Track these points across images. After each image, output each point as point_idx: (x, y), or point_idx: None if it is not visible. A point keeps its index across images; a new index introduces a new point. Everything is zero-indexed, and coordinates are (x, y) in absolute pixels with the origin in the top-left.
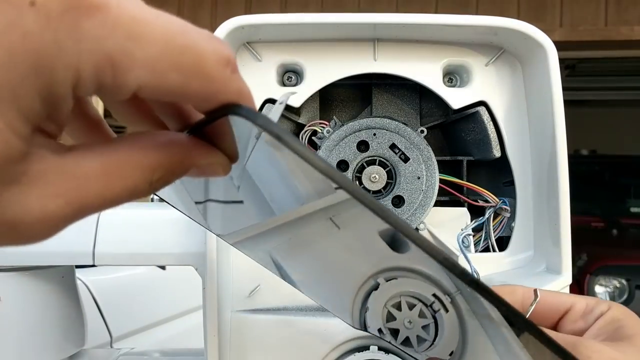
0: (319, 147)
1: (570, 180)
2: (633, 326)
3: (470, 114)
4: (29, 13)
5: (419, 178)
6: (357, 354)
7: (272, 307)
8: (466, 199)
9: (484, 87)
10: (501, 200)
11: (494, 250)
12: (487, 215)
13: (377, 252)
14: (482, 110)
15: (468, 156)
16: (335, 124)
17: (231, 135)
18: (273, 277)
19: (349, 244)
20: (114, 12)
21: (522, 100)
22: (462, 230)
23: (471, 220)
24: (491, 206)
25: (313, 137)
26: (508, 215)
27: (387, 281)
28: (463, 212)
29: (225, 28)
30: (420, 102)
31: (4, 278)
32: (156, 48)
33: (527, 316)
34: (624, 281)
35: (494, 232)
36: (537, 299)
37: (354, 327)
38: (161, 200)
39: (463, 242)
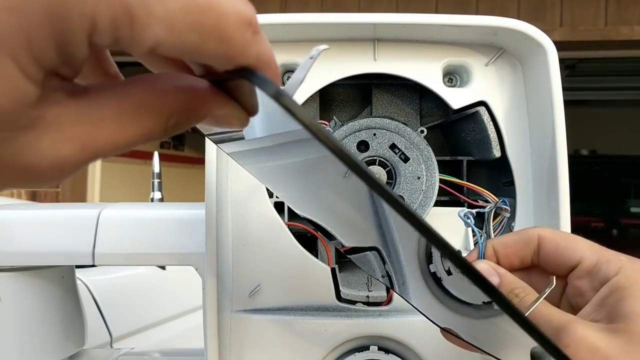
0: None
1: (570, 180)
2: (636, 299)
3: (470, 114)
4: None
5: (419, 178)
6: (357, 354)
7: (272, 307)
8: (466, 199)
9: (484, 87)
10: (501, 200)
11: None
12: (487, 209)
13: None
14: (482, 110)
15: (468, 156)
16: (335, 124)
17: (251, 91)
18: (273, 277)
19: None
20: None
21: (522, 100)
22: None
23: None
24: (490, 205)
25: None
26: (508, 215)
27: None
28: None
29: None
30: (420, 102)
31: (4, 278)
32: (176, 5)
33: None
34: None
35: (494, 232)
36: (552, 286)
37: (414, 254)
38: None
39: (466, 216)
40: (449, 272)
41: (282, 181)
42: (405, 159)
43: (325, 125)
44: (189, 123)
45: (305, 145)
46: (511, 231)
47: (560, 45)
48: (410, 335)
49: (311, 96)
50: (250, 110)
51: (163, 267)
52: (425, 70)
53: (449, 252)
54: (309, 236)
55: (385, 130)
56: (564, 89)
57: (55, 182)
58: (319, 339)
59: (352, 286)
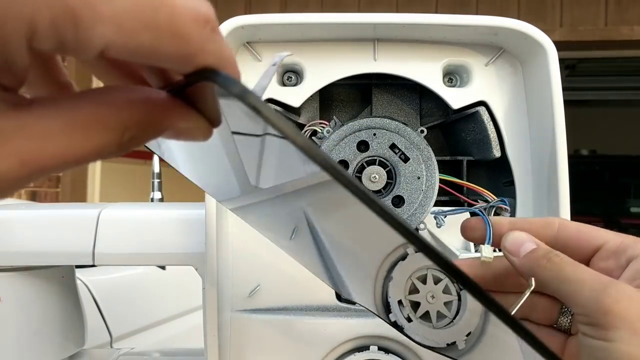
0: (319, 146)
1: (570, 180)
2: None
3: (470, 114)
4: None
5: (419, 178)
6: (357, 354)
7: (272, 307)
8: (466, 199)
9: (484, 87)
10: (499, 199)
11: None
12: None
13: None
14: (482, 110)
15: (468, 156)
16: (335, 124)
17: (213, 98)
18: (273, 277)
19: None
20: None
21: (522, 100)
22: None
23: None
24: (489, 204)
25: (313, 137)
26: (508, 215)
27: (415, 252)
28: (464, 210)
29: (225, 28)
30: (420, 102)
31: (4, 278)
32: (125, 2)
33: (522, 300)
34: None
35: None
36: (531, 288)
37: (372, 305)
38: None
39: (435, 218)
40: (409, 320)
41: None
42: (405, 159)
43: (325, 126)
44: (147, 137)
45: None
46: None
47: (560, 45)
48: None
49: (311, 96)
50: (213, 119)
51: (163, 267)
52: (425, 70)
53: (465, 281)
54: None
55: (385, 130)
56: (564, 89)
57: None
58: (319, 339)
59: None
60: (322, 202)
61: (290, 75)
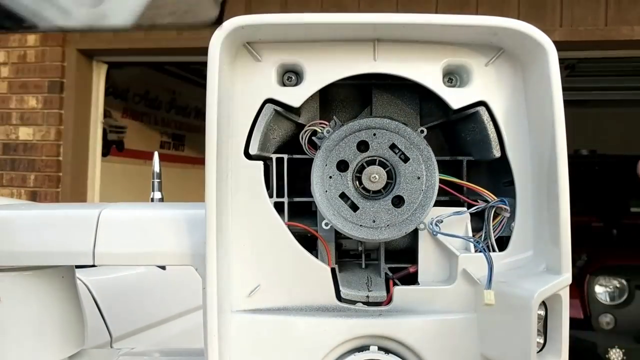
0: (319, 147)
1: (570, 180)
2: None
3: (470, 114)
4: None
5: (419, 178)
6: (357, 354)
7: (272, 307)
8: (466, 199)
9: (484, 87)
10: (499, 199)
11: (493, 250)
12: (472, 210)
13: None
14: (482, 110)
15: (468, 156)
16: (335, 124)
17: None
18: (273, 277)
19: None
20: None
21: (522, 100)
22: (438, 216)
23: (471, 221)
24: (489, 204)
25: (313, 137)
26: (508, 215)
27: None
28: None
29: (225, 28)
30: (420, 102)
31: (4, 278)
32: None
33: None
34: (624, 281)
35: (493, 232)
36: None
37: None
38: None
39: (435, 224)
40: None
41: None
42: (405, 159)
43: (325, 126)
44: None
45: None
46: (511, 231)
47: (560, 45)
48: (410, 335)
49: (311, 96)
50: None
51: (163, 267)
52: (425, 70)
53: None
54: (309, 236)
55: (385, 130)
56: (564, 89)
57: None
58: (319, 339)
59: (352, 286)
60: None
61: (290, 75)
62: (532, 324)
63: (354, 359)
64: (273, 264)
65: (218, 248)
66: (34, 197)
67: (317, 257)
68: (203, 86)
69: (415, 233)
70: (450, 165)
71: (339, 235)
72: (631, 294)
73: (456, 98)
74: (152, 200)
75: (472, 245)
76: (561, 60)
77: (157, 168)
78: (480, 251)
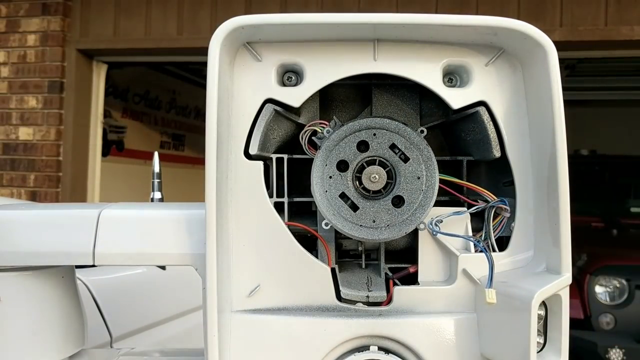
0: (319, 147)
1: (570, 180)
2: None
3: (470, 114)
4: None
5: (419, 178)
6: (357, 354)
7: (272, 307)
8: (466, 199)
9: (484, 87)
10: (499, 199)
11: (493, 250)
12: (472, 210)
13: None
14: (482, 110)
15: (468, 156)
16: (335, 124)
17: None
18: (273, 277)
19: None
20: None
21: (522, 100)
22: (438, 216)
23: (471, 221)
24: (489, 204)
25: (313, 137)
26: (508, 215)
27: None
28: (463, 212)
29: (225, 28)
30: (420, 102)
31: (4, 278)
32: None
33: None
34: (624, 281)
35: (494, 232)
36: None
37: None
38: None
39: (435, 224)
40: None
41: None
42: (405, 159)
43: (325, 126)
44: None
45: None
46: (511, 231)
47: (560, 45)
48: (410, 335)
49: (311, 96)
50: None
51: (163, 267)
52: (425, 70)
53: None
54: (309, 236)
55: (385, 130)
56: (564, 89)
57: None
58: (319, 339)
59: (352, 286)
60: None
61: (290, 75)
62: (532, 324)
63: (354, 359)
64: (273, 264)
65: (218, 248)
66: (34, 197)
67: (317, 257)
68: (203, 86)
69: (415, 233)
70: (450, 165)
71: (339, 235)
72: (631, 294)
73: (456, 98)
74: (152, 200)
75: (472, 245)
76: (561, 60)
77: (157, 168)
78: (480, 251)
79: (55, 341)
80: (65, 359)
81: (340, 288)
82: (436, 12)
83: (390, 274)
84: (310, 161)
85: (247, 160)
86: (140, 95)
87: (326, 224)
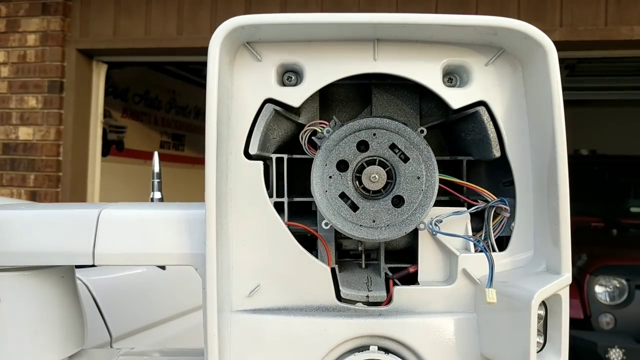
0: (319, 147)
1: (570, 180)
2: None
3: (470, 114)
4: None
5: (418, 178)
6: (357, 354)
7: (272, 307)
8: (466, 199)
9: (484, 87)
10: (499, 199)
11: (493, 250)
12: (471, 210)
13: None
14: (482, 110)
15: (468, 156)
16: (335, 124)
17: None
18: (273, 277)
19: None
20: None
21: (522, 100)
22: (438, 216)
23: (471, 221)
24: (489, 204)
25: (313, 137)
26: (508, 215)
27: None
28: (463, 212)
29: (225, 28)
30: (420, 102)
31: (4, 278)
32: None
33: None
34: (624, 281)
35: (493, 232)
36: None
37: None
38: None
39: (435, 224)
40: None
41: None
42: (405, 159)
43: (325, 126)
44: None
45: None
46: (511, 231)
47: (560, 45)
48: (410, 335)
49: (311, 96)
50: None
51: (163, 267)
52: (425, 70)
53: None
54: (309, 236)
55: (385, 130)
56: (564, 89)
57: None
58: (319, 339)
59: (352, 286)
60: None
61: (290, 75)
62: (532, 324)
63: (353, 359)
64: (273, 264)
65: (218, 248)
66: (33, 197)
67: (317, 257)
68: (203, 86)
69: (415, 233)
70: (450, 165)
71: (339, 235)
72: (631, 294)
73: (456, 98)
74: (152, 200)
75: (472, 245)
76: (561, 60)
77: (156, 168)
78: (480, 250)
79: (55, 341)
80: (65, 359)
81: (340, 288)
82: (436, 12)
83: (390, 274)
84: (310, 161)
85: (247, 160)
86: (140, 95)
87: (326, 224)
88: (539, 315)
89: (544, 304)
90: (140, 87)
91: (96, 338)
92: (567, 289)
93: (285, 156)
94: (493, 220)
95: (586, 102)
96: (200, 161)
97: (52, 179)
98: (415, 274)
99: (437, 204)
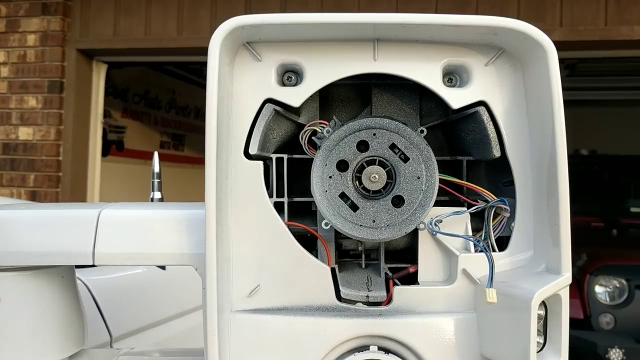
0: (319, 146)
1: (570, 180)
2: None
3: (470, 114)
4: None
5: (418, 178)
6: (357, 354)
7: (272, 307)
8: (466, 199)
9: (483, 87)
10: (499, 199)
11: (493, 250)
12: (471, 210)
13: None
14: (482, 110)
15: (468, 156)
16: (335, 124)
17: None
18: (273, 277)
19: None
20: None
21: (522, 100)
22: (438, 216)
23: (471, 221)
24: (489, 204)
25: (313, 137)
26: (508, 215)
27: None
28: (463, 212)
29: (225, 28)
30: (420, 102)
31: (4, 278)
32: None
33: None
34: (624, 281)
35: (493, 232)
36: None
37: None
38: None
39: (435, 224)
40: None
41: None
42: (405, 159)
43: (325, 126)
44: None
45: None
46: (511, 231)
47: (560, 45)
48: (410, 335)
49: (311, 96)
50: None
51: (163, 267)
52: (425, 70)
53: None
54: (309, 236)
55: (385, 130)
56: (564, 89)
57: None
58: (319, 339)
59: (352, 286)
60: None
61: (290, 75)
62: (532, 324)
63: (353, 359)
64: (273, 264)
65: (218, 248)
66: (33, 197)
67: (317, 257)
68: (203, 86)
69: (415, 233)
70: (450, 165)
71: (339, 235)
72: (631, 294)
73: (456, 98)
74: (152, 200)
75: (472, 245)
76: (561, 60)
77: (156, 168)
78: (480, 250)
79: (55, 341)
80: (65, 359)
81: (340, 288)
82: (436, 12)
83: (390, 273)
84: (310, 161)
85: (247, 160)
86: (140, 95)
87: (326, 224)
88: (539, 315)
89: (544, 304)
90: (140, 87)
91: (96, 338)
92: (567, 289)
93: (285, 156)
94: (493, 220)
95: (586, 102)
96: (200, 161)
97: (52, 179)
98: (415, 274)
99: (437, 204)
